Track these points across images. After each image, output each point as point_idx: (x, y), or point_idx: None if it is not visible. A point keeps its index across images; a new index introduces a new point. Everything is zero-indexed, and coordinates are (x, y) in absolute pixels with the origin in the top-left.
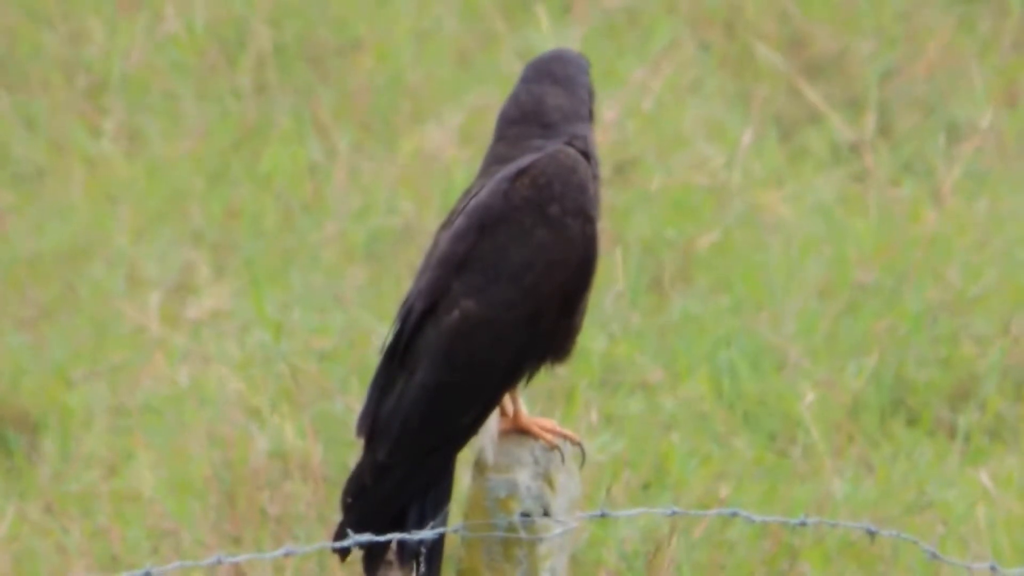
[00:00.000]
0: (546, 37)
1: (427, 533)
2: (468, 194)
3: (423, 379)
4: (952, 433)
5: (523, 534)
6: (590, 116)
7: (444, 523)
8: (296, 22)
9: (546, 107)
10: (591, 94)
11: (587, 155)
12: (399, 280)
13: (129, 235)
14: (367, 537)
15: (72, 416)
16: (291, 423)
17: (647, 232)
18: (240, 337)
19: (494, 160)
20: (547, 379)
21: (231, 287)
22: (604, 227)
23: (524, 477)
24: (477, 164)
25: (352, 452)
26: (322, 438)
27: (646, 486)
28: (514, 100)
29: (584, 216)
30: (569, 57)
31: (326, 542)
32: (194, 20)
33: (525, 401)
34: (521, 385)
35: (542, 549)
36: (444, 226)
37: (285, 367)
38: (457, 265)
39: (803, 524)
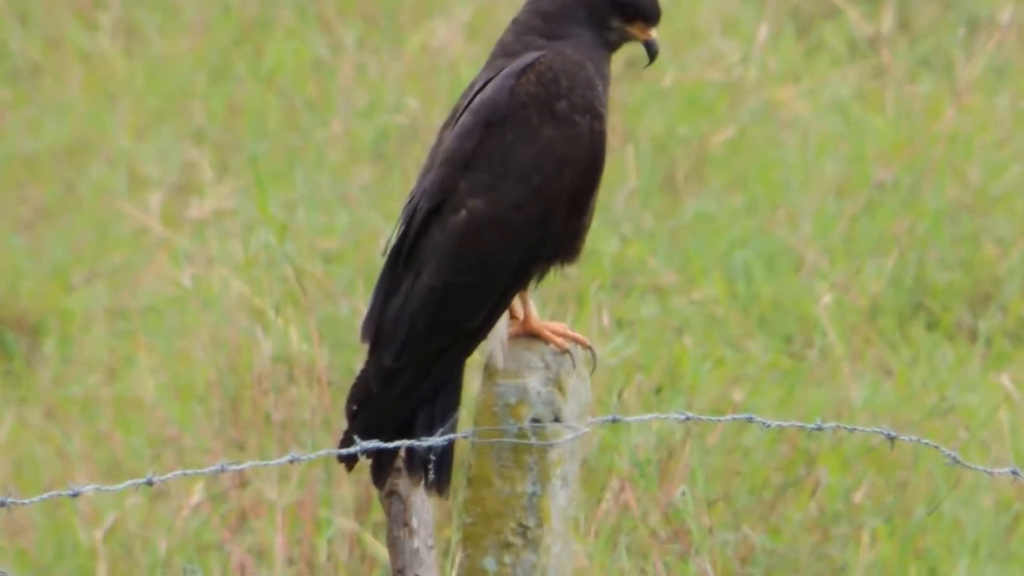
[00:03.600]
0: None
1: (436, 440)
2: (472, 89)
3: (430, 281)
4: (973, 336)
5: (534, 440)
6: (606, 45)
7: (453, 430)
8: None
9: (551, 13)
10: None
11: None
12: (406, 179)
13: (129, 133)
14: (374, 444)
15: (72, 319)
16: (296, 326)
17: (660, 130)
18: (243, 237)
19: (500, 51)
20: (558, 282)
21: (234, 186)
22: (616, 124)
23: (534, 382)
24: (484, 61)
25: (358, 356)
26: (327, 342)
27: (659, 390)
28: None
29: (592, 113)
30: None
31: (332, 449)
32: None
33: (536, 304)
34: (531, 287)
35: (553, 455)
36: (448, 123)
37: (290, 269)
38: (463, 164)
39: (820, 429)
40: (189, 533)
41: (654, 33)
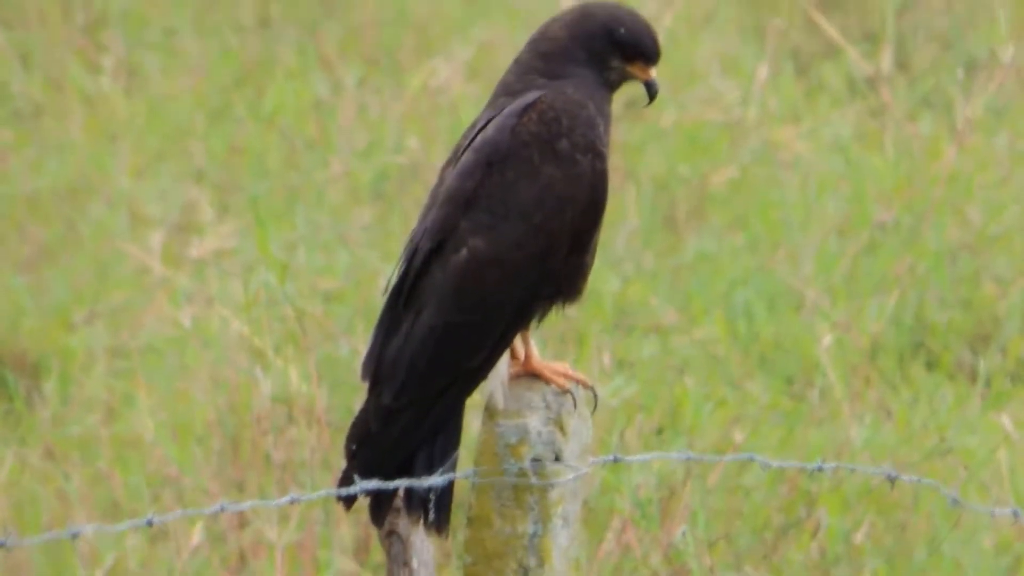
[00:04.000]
0: None
1: (436, 479)
2: (474, 128)
3: (430, 320)
4: (973, 376)
5: (534, 480)
6: (607, 85)
7: (453, 469)
8: None
9: (552, 54)
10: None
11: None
12: (406, 219)
13: (130, 173)
14: (374, 484)
15: (72, 358)
16: (295, 367)
17: (660, 169)
18: (244, 278)
19: (502, 90)
20: (559, 322)
21: (235, 226)
22: (617, 164)
23: (535, 422)
24: (485, 100)
25: (358, 396)
26: (327, 382)
27: (660, 431)
28: (543, 29)
29: (594, 152)
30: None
31: (331, 489)
32: None
33: (537, 344)
34: (532, 327)
35: (554, 495)
36: (450, 162)
37: (290, 309)
38: (464, 202)
39: (820, 469)
40: (189, 574)
41: (654, 73)
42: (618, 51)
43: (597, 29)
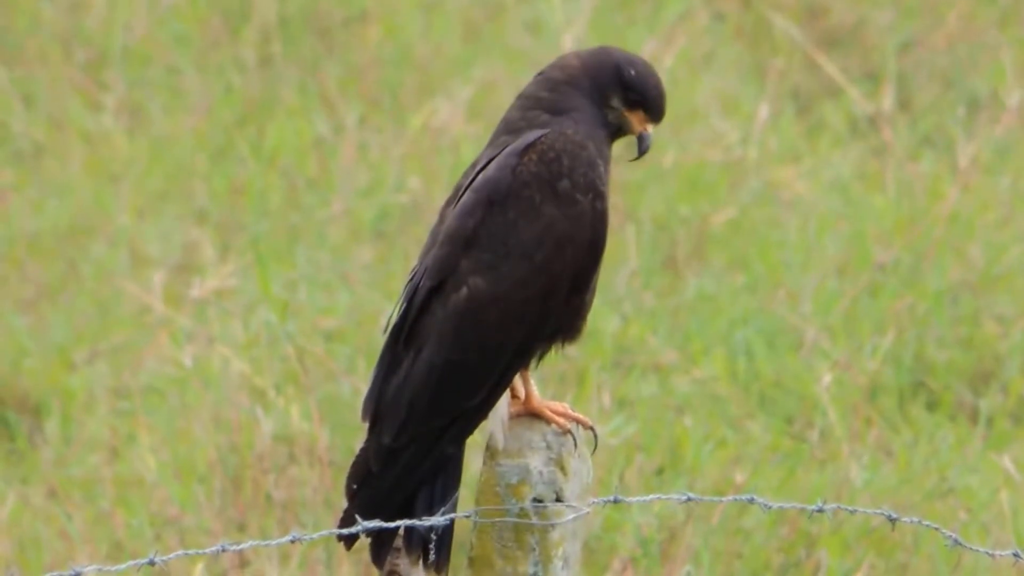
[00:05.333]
0: (555, 9)
1: (437, 519)
2: (475, 167)
3: (430, 359)
4: (974, 417)
5: (535, 520)
6: (605, 125)
7: (454, 509)
8: None
9: (561, 82)
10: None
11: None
12: (407, 258)
13: (131, 213)
14: (375, 524)
15: (74, 398)
16: (297, 406)
17: (660, 209)
18: (245, 317)
19: (504, 128)
20: (559, 361)
21: (236, 266)
22: (617, 204)
23: (536, 462)
24: (486, 140)
25: (359, 436)
26: (328, 421)
27: (660, 471)
28: (559, 60)
29: (594, 192)
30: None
31: (333, 529)
32: None
33: (536, 384)
34: (532, 367)
35: (554, 535)
36: (450, 201)
37: (291, 348)
38: (465, 242)
39: (820, 511)
40: None
41: (650, 128)
42: (621, 91)
43: (609, 64)
